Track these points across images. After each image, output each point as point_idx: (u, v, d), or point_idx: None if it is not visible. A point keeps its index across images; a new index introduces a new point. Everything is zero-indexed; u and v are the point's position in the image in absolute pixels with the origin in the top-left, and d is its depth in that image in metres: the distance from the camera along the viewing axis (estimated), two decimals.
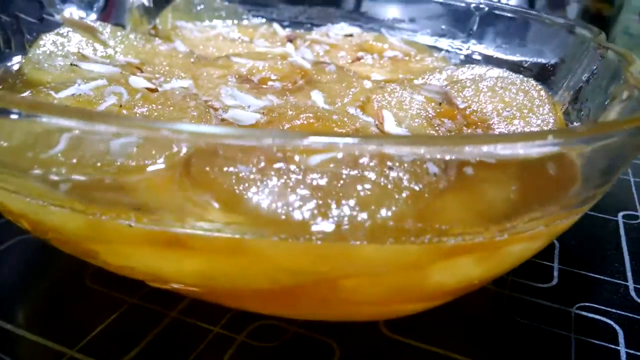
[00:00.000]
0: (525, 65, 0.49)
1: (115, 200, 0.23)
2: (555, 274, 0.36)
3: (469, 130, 0.35)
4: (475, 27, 0.54)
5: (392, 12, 0.59)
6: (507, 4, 0.54)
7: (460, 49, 0.55)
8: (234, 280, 0.26)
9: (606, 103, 0.34)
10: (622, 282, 0.35)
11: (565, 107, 0.40)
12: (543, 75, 0.46)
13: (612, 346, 0.30)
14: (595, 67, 0.39)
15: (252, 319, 0.30)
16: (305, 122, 0.31)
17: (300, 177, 0.21)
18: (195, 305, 0.31)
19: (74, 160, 0.22)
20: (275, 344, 0.29)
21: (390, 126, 0.31)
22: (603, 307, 0.33)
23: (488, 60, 0.53)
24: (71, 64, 0.37)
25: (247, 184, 0.21)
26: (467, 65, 0.45)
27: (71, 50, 0.40)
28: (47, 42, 0.40)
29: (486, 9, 0.53)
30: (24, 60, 0.38)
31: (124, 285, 0.31)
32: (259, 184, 0.21)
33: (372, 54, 0.48)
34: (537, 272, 0.35)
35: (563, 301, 0.33)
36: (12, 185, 0.24)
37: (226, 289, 0.27)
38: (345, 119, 0.31)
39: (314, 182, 0.21)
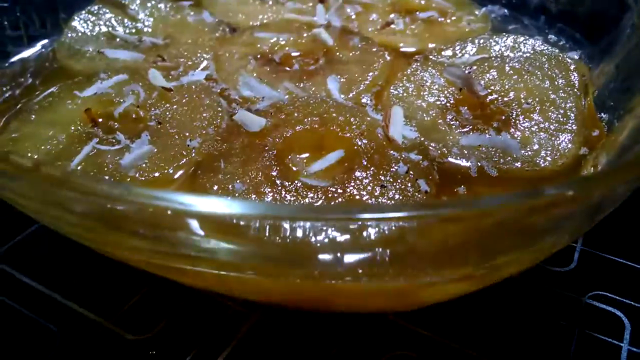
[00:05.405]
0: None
1: None
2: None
3: (485, 126, 0.34)
4: None
5: None
6: None
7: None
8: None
9: None
10: None
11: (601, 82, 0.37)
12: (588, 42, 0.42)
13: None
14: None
15: None
16: (309, 127, 0.31)
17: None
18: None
19: None
20: None
21: (396, 130, 0.31)
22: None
23: (533, 15, 0.49)
24: (98, 52, 0.38)
25: None
26: (502, 35, 0.42)
27: (102, 30, 0.41)
28: (79, 22, 0.41)
29: None
30: (56, 45, 0.40)
31: None
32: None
33: (405, 17, 0.46)
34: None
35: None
36: None
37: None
38: (352, 119, 0.31)
39: None
